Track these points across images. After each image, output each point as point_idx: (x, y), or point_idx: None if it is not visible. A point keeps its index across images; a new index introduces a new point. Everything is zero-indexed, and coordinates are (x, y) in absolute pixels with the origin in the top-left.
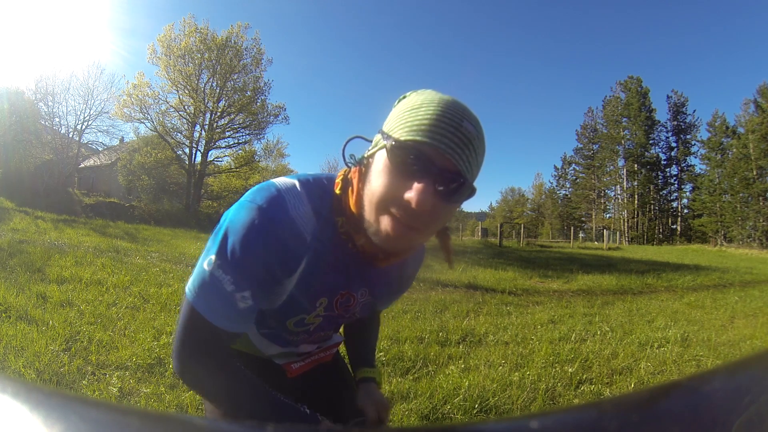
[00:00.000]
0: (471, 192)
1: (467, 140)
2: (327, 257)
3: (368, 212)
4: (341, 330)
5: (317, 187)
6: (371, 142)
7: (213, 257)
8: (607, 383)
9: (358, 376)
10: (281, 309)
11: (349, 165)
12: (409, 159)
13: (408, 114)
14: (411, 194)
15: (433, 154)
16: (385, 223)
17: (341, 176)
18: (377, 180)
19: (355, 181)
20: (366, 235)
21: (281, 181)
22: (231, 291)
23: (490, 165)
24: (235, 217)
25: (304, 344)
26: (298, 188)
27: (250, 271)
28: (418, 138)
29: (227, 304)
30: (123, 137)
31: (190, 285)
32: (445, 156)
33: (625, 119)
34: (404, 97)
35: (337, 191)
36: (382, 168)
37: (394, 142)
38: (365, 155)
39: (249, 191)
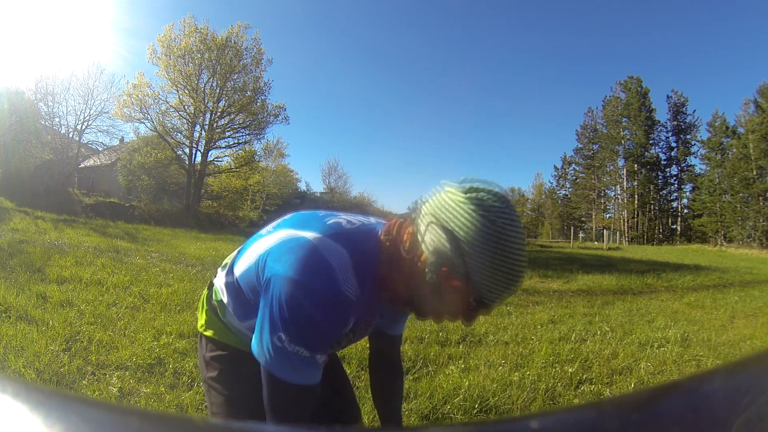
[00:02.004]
0: None
1: None
2: (365, 308)
3: (428, 310)
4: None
5: (358, 247)
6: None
7: (282, 335)
8: (607, 383)
9: None
10: None
11: (430, 279)
12: (479, 310)
13: (502, 279)
14: (466, 320)
15: (494, 306)
16: (434, 318)
17: (385, 255)
18: (451, 307)
19: (417, 280)
20: (409, 305)
21: (325, 246)
22: (308, 356)
23: (490, 164)
24: (290, 298)
25: None
26: (345, 255)
27: (317, 342)
28: (494, 302)
29: (310, 366)
30: (123, 137)
31: (267, 357)
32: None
33: (625, 119)
34: (481, 202)
35: (383, 271)
36: (458, 302)
37: (480, 301)
38: (435, 269)
39: (289, 255)
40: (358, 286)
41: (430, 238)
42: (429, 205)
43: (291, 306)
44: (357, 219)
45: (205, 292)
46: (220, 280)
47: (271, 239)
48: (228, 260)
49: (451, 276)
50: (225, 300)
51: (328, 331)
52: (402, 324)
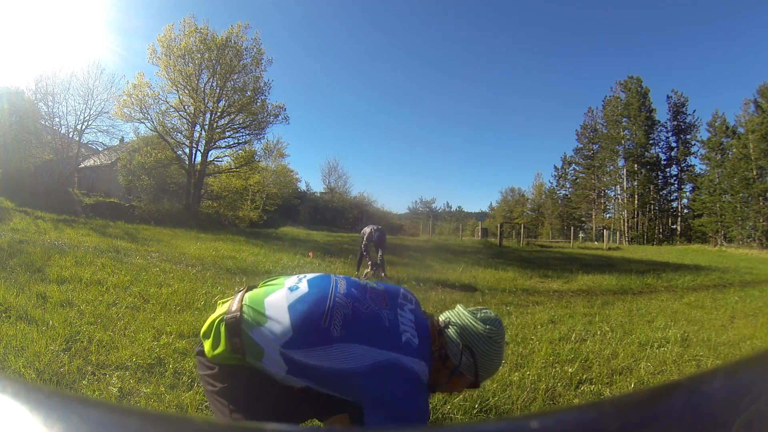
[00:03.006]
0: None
1: None
2: None
3: (440, 389)
4: None
5: (426, 357)
6: (465, 352)
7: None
8: (607, 383)
9: None
10: None
11: (456, 375)
12: (470, 388)
13: (491, 368)
14: (459, 391)
15: None
16: (442, 390)
17: (434, 364)
18: (456, 388)
19: (445, 374)
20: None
21: (415, 364)
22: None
23: (490, 164)
24: (413, 403)
25: None
26: (423, 365)
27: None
28: (486, 379)
29: None
30: (123, 137)
31: None
32: None
33: (625, 119)
34: (493, 333)
35: (430, 372)
36: (462, 386)
37: (474, 384)
38: (461, 368)
39: (400, 380)
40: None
41: (463, 359)
42: (456, 328)
43: (412, 411)
44: (412, 329)
45: (223, 327)
46: (264, 337)
47: (360, 356)
48: (269, 319)
49: (467, 375)
50: (274, 359)
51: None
52: None
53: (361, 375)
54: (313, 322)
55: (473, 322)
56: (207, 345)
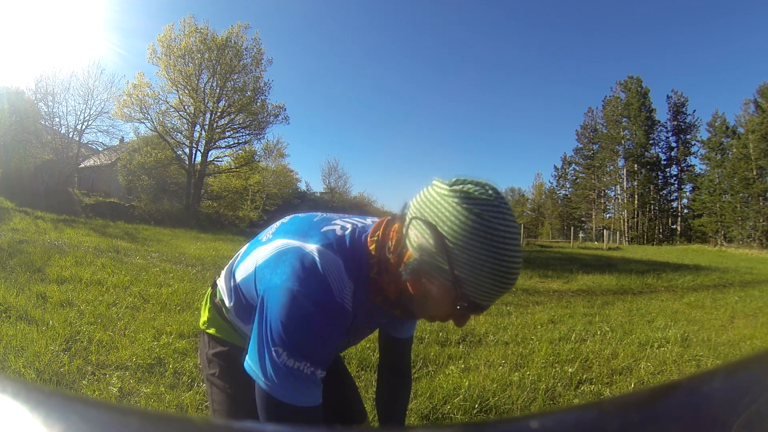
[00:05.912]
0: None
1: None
2: (361, 314)
3: (417, 311)
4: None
5: (351, 252)
6: (424, 234)
7: (280, 350)
8: (607, 383)
9: None
10: None
11: (405, 276)
12: (469, 310)
13: (492, 275)
14: (458, 320)
15: (486, 305)
16: (426, 319)
17: (373, 257)
18: (439, 307)
19: (394, 277)
20: (400, 307)
21: (320, 254)
22: (309, 374)
23: (490, 165)
24: (287, 309)
25: None
26: (340, 262)
27: (317, 354)
28: (484, 302)
29: (311, 384)
30: (123, 137)
31: (265, 377)
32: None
33: (625, 119)
34: (467, 194)
35: (373, 273)
36: (445, 301)
37: (466, 302)
38: (417, 267)
39: (286, 266)
40: (353, 293)
41: (413, 234)
42: (415, 200)
43: (287, 317)
44: (352, 222)
45: (209, 290)
46: (222, 282)
47: (268, 248)
48: (231, 261)
49: (436, 274)
50: (227, 303)
51: (326, 341)
52: (410, 327)
53: (258, 270)
54: (255, 241)
55: (438, 187)
56: (201, 315)
